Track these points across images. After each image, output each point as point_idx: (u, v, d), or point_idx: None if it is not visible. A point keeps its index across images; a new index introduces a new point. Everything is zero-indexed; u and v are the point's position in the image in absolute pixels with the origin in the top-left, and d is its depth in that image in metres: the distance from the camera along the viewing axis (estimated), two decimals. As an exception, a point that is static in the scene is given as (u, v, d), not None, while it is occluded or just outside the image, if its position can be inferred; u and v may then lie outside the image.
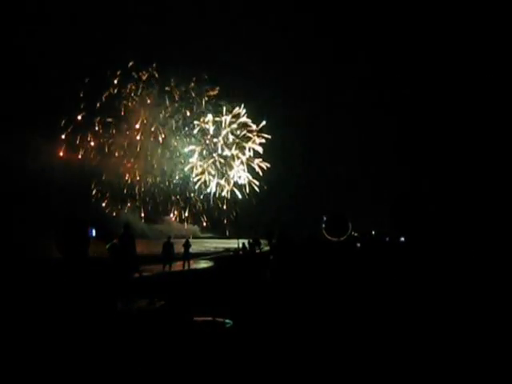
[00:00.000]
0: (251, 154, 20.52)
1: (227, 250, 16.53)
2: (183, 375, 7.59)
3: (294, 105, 20.11)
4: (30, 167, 14.34)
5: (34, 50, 16.26)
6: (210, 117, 20.21)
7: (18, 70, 15.88)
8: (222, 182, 20.41)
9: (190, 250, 12.56)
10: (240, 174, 20.53)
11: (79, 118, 17.99)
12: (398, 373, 8.25)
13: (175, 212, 18.96)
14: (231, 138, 20.51)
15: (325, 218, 18.43)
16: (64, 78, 17.05)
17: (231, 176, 20.52)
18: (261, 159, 20.44)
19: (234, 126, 20.40)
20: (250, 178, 20.29)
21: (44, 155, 15.55)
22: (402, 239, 19.70)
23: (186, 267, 12.29)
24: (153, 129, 19.14)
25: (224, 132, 20.46)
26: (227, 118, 20.33)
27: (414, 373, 8.28)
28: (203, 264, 14.19)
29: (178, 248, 12.11)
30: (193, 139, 20.05)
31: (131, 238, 10.49)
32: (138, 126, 19.15)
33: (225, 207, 19.93)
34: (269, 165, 20.25)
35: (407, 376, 8.27)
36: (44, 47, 16.35)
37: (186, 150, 20.00)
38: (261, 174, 20.33)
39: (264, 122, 20.05)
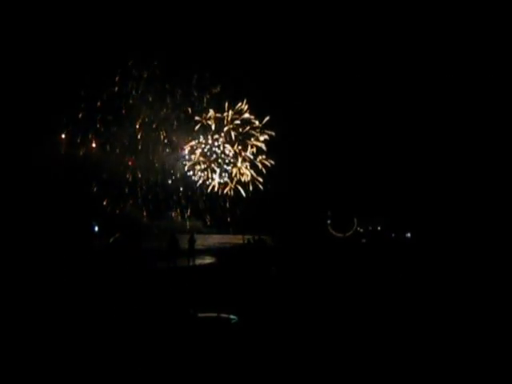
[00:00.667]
0: (254, 150, 20.71)
1: (232, 245, 16.81)
2: (185, 373, 7.81)
3: (299, 101, 20.22)
4: (32, 165, 14.58)
5: (34, 48, 16.48)
6: (211, 113, 20.39)
7: (18, 71, 16.13)
8: (225, 179, 20.57)
9: (196, 246, 12.77)
10: (243, 172, 20.70)
11: (80, 116, 18.18)
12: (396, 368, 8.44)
13: (177, 210, 19.15)
14: (233, 134, 20.69)
15: (330, 214, 18.71)
16: (64, 77, 17.27)
17: (234, 173, 20.68)
18: (264, 156, 20.62)
19: (237, 122, 20.57)
20: (254, 175, 20.45)
21: (46, 153, 15.78)
22: (408, 235, 19.93)
23: (191, 263, 12.49)
24: (154, 126, 19.32)
25: (226, 128, 20.64)
26: (229, 115, 20.52)
27: (414, 369, 8.46)
28: (208, 260, 14.40)
29: (183, 243, 12.33)
30: (194, 136, 20.23)
31: (136, 232, 10.70)
32: (138, 124, 19.31)
33: (228, 205, 20.09)
34: (273, 162, 20.42)
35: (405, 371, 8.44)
36: (44, 45, 16.59)
37: (187, 147, 20.18)
38: (264, 171, 20.50)
39: (267, 118, 20.22)
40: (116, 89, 18.68)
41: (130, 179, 18.63)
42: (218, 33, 19.07)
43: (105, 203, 18.08)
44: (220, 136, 20.62)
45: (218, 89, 20.07)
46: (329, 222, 18.43)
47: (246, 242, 15.47)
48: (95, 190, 17.61)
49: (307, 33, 19.19)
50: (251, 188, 20.39)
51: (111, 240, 9.89)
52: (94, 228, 14.30)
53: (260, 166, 20.57)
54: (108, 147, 18.27)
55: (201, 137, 20.34)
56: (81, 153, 17.71)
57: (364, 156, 20.35)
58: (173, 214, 19.45)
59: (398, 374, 7.94)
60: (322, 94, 20.12)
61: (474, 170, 19.61)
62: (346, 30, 19.10)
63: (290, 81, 19.75)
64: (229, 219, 19.97)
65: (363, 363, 8.36)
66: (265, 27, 19.26)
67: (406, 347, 8.84)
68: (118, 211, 17.45)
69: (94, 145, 18.27)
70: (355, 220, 17.96)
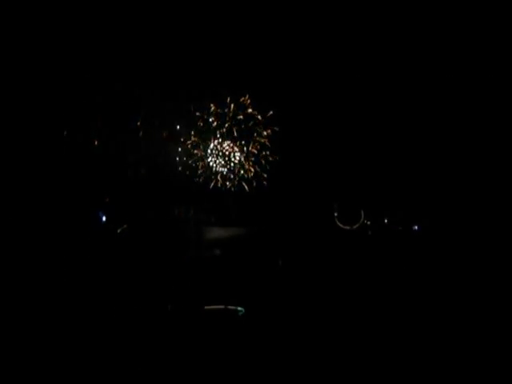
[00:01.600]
0: (258, 146, 20.82)
1: (237, 238, 17.00)
2: (193, 365, 7.90)
3: (303, 95, 20.31)
4: (42, 163, 14.96)
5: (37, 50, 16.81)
6: (213, 108, 20.56)
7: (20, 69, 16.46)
8: (228, 175, 20.68)
9: (202, 238, 12.93)
10: (246, 168, 20.82)
11: (82, 114, 18.35)
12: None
13: (181, 204, 19.33)
14: (235, 129, 20.82)
15: (337, 207, 18.84)
16: (65, 74, 17.52)
17: (237, 170, 20.80)
18: (268, 152, 20.73)
19: (240, 117, 20.68)
20: (258, 170, 20.55)
21: (50, 153, 16.14)
22: (416, 228, 20.01)
23: (198, 255, 12.63)
24: (156, 121, 19.51)
25: (228, 124, 20.77)
26: (231, 110, 20.65)
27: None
28: (214, 252, 14.59)
29: (189, 236, 12.48)
30: (196, 131, 20.40)
31: (143, 224, 10.82)
32: (140, 120, 19.50)
33: (231, 200, 20.25)
34: (277, 157, 20.53)
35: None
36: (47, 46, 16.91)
37: (189, 142, 20.38)
38: (268, 167, 20.61)
39: (271, 112, 20.33)
40: (118, 86, 18.86)
41: (133, 174, 18.86)
42: (219, 28, 19.19)
43: (107, 200, 18.28)
44: (222, 131, 20.78)
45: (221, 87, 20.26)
46: (336, 214, 18.58)
47: (251, 235, 15.62)
48: (100, 183, 17.80)
49: (313, 25, 19.30)
50: (255, 184, 20.56)
51: (119, 231, 10.09)
52: (101, 218, 14.55)
53: (263, 161, 20.71)
54: (109, 143, 18.52)
55: (202, 132, 20.55)
56: (83, 148, 17.93)
57: (371, 148, 20.43)
58: (177, 208, 19.62)
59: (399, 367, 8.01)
60: (327, 85, 20.20)
61: (483, 164, 19.65)
62: (355, 20, 19.19)
63: (294, 72, 19.86)
64: (233, 213, 20.13)
65: (364, 355, 8.48)
66: (268, 22, 19.36)
67: (408, 342, 8.92)
68: (123, 204, 17.64)
69: (96, 141, 18.47)
70: (362, 212, 18.12)
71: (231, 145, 20.64)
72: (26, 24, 16.42)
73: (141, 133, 19.35)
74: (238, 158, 20.53)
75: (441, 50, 19.10)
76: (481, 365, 8.26)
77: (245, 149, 20.73)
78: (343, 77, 19.85)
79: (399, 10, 18.67)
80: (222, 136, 20.54)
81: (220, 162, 20.49)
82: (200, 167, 20.27)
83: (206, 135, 20.44)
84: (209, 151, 20.34)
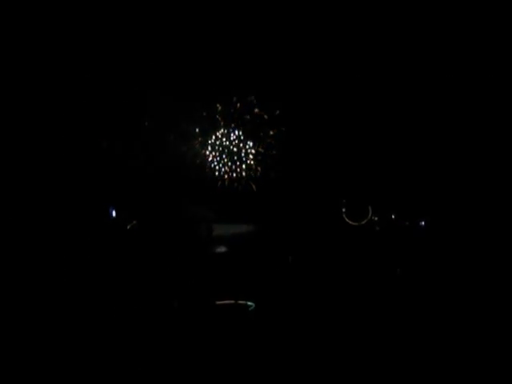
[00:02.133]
0: (265, 145, 20.86)
1: (247, 234, 17.08)
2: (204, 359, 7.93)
3: (309, 93, 20.31)
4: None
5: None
6: (219, 108, 20.64)
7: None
8: (235, 174, 20.73)
9: (212, 235, 13.01)
10: (253, 167, 20.85)
11: (90, 113, 18.47)
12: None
13: (189, 201, 19.41)
14: (242, 129, 20.87)
15: (344, 203, 18.79)
16: (70, 78, 17.68)
17: (243, 168, 20.84)
18: (275, 151, 20.77)
19: (246, 116, 20.74)
20: (265, 169, 20.60)
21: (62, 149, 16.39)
22: (423, 223, 19.97)
23: (208, 252, 12.70)
24: (163, 119, 19.64)
25: (234, 124, 20.82)
26: (238, 109, 20.70)
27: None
28: (224, 248, 14.70)
29: (199, 233, 12.59)
30: (203, 130, 20.48)
31: (152, 221, 10.89)
32: (148, 118, 19.65)
33: (239, 197, 20.29)
34: (284, 155, 20.56)
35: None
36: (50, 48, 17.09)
37: (197, 141, 20.47)
38: (275, 164, 20.64)
39: (278, 112, 20.39)
40: (127, 86, 18.97)
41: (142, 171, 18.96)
42: (222, 25, 19.25)
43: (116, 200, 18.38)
44: (228, 131, 20.81)
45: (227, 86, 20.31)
46: (343, 210, 18.64)
47: (261, 231, 15.71)
48: (110, 179, 17.90)
49: (319, 26, 19.30)
50: (262, 182, 20.59)
51: (128, 227, 10.16)
52: (111, 213, 14.61)
53: (270, 160, 20.74)
54: (119, 140, 18.66)
55: (209, 131, 20.62)
56: (94, 145, 18.07)
57: (378, 144, 20.41)
58: (185, 205, 19.68)
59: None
60: (333, 83, 20.20)
61: (488, 160, 19.57)
62: (360, 21, 19.19)
63: (301, 71, 19.88)
64: (241, 210, 20.16)
65: (374, 351, 8.48)
66: (274, 22, 19.39)
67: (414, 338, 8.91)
68: (132, 201, 17.75)
69: (105, 141, 18.60)
70: (370, 208, 18.15)
71: (242, 137, 20.62)
72: (34, 26, 16.60)
73: (150, 131, 19.47)
74: (250, 155, 20.49)
75: (446, 47, 19.12)
76: (490, 360, 8.22)
77: (253, 150, 20.78)
78: (350, 75, 19.85)
79: (402, 10, 18.69)
80: (228, 132, 20.60)
81: (227, 163, 20.52)
82: (207, 166, 20.37)
83: (213, 132, 20.54)
84: (209, 147, 20.40)
